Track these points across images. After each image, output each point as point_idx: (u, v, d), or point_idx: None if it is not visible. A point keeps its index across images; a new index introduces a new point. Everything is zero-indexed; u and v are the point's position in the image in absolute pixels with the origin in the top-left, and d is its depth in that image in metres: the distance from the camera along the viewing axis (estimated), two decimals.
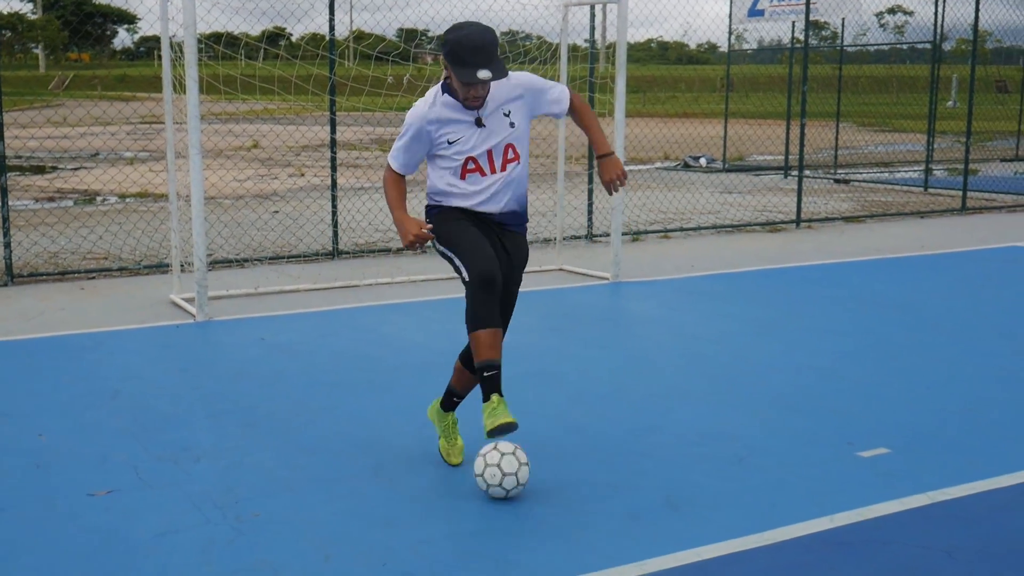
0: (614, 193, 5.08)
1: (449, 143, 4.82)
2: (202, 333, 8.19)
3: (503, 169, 4.88)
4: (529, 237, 12.16)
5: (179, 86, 8.92)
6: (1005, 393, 6.54)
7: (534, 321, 8.36)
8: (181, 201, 9.53)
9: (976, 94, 17.23)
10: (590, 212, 12.98)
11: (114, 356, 7.45)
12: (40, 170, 21.67)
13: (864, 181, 20.70)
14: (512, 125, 4.88)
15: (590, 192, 13.03)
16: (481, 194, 4.88)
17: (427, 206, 5.04)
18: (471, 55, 4.60)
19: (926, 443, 5.61)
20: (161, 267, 10.51)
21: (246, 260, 10.96)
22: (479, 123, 4.82)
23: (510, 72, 4.86)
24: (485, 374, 4.69)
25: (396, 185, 4.97)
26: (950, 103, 42.24)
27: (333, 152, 11.44)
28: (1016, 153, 26.29)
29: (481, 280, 4.66)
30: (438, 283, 9.93)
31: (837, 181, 20.55)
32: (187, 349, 7.76)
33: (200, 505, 4.77)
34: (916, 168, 23.53)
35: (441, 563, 4.21)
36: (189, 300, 8.92)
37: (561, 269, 10.79)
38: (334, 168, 11.52)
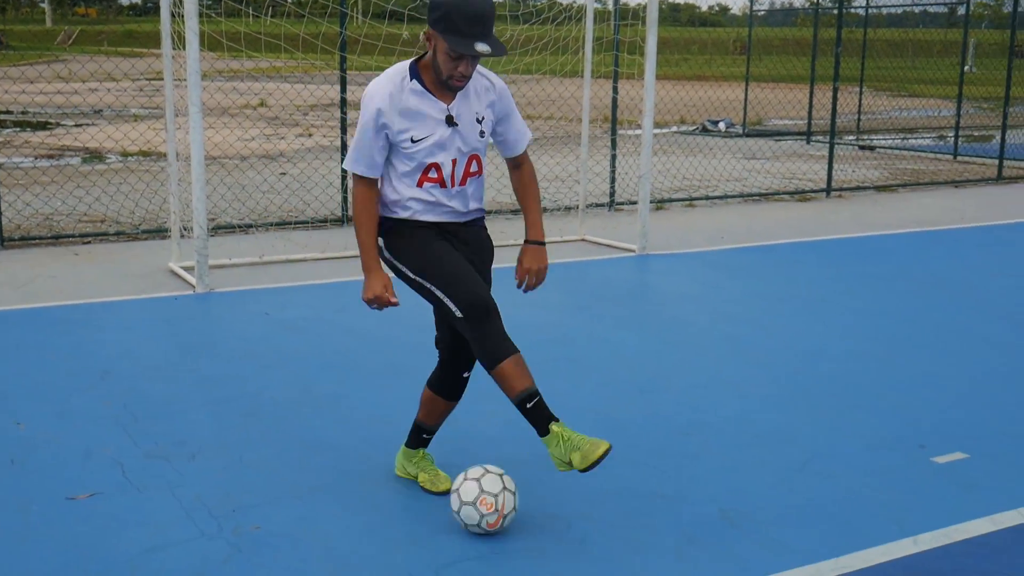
0: (524, 289, 4.24)
1: (413, 141, 3.96)
2: (202, 306, 7.60)
3: (462, 183, 4.07)
4: (549, 204, 11.65)
5: (179, 41, 8.29)
6: None
7: (560, 298, 7.75)
8: (181, 162, 8.92)
9: (992, 59, 16.53)
10: (612, 179, 12.34)
11: (105, 331, 6.86)
12: (43, 126, 21.06)
13: (890, 148, 20.00)
14: (482, 134, 4.06)
15: (613, 158, 12.38)
16: (436, 208, 4.06)
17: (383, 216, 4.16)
18: (468, 24, 3.75)
19: (1007, 447, 5.01)
20: (161, 232, 9.92)
21: (250, 226, 10.34)
22: (450, 121, 3.97)
23: (485, 69, 4.11)
24: (528, 406, 3.92)
25: (369, 211, 4.05)
26: (967, 67, 41.40)
27: (343, 112, 10.80)
28: None
29: (475, 312, 3.89)
30: None
31: (862, 147, 19.87)
32: (185, 324, 7.17)
33: (193, 514, 4.19)
34: (933, 134, 22.81)
35: None
36: (189, 269, 8.33)
37: (584, 239, 10.17)
38: (344, 130, 10.88)
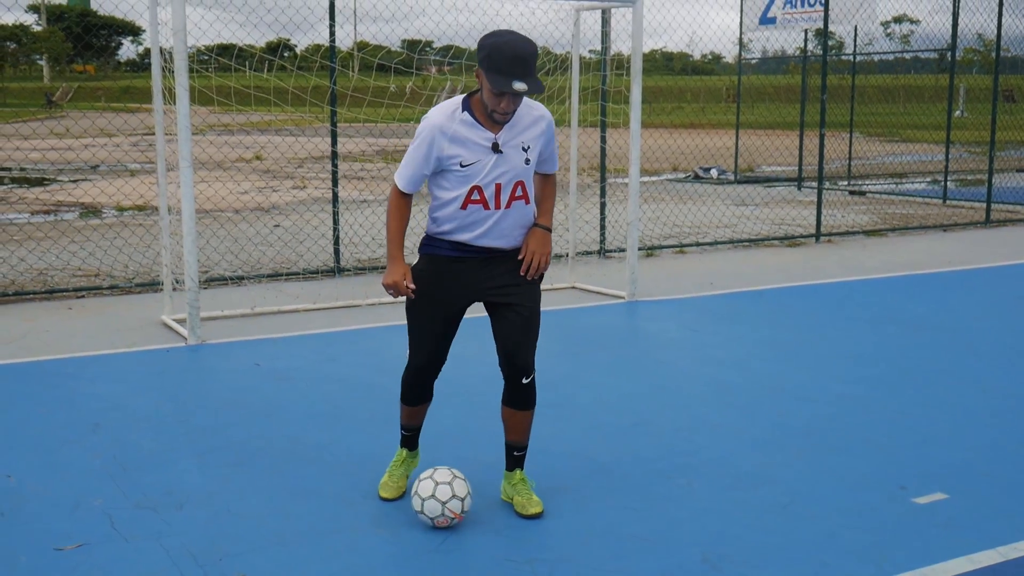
0: (528, 273, 4.60)
1: (462, 165, 4.41)
2: (193, 358, 7.66)
3: (507, 207, 4.50)
4: None
5: (170, 96, 8.41)
6: None
7: (548, 344, 7.77)
8: (173, 215, 9.02)
9: (983, 104, 16.72)
10: (603, 226, 12.45)
11: (97, 384, 6.92)
12: (39, 182, 21.19)
13: (880, 192, 20.15)
14: (527, 162, 4.50)
15: (602, 206, 12.50)
16: (478, 226, 4.50)
17: (423, 239, 4.67)
18: (509, 64, 4.19)
19: (986, 487, 5.07)
20: (154, 285, 9.99)
21: (243, 277, 10.43)
22: (496, 148, 4.41)
23: (536, 103, 4.54)
24: (403, 433, 5.04)
25: (400, 213, 4.56)
26: (958, 112, 41.73)
27: (334, 165, 10.93)
28: None
29: (412, 367, 4.78)
30: None
31: (852, 193, 20.02)
32: (176, 376, 7.24)
33: (179, 563, 4.24)
34: (923, 179, 22.98)
35: None
36: (181, 321, 8.40)
37: (574, 287, 10.26)
38: (335, 182, 11.01)
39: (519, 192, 4.50)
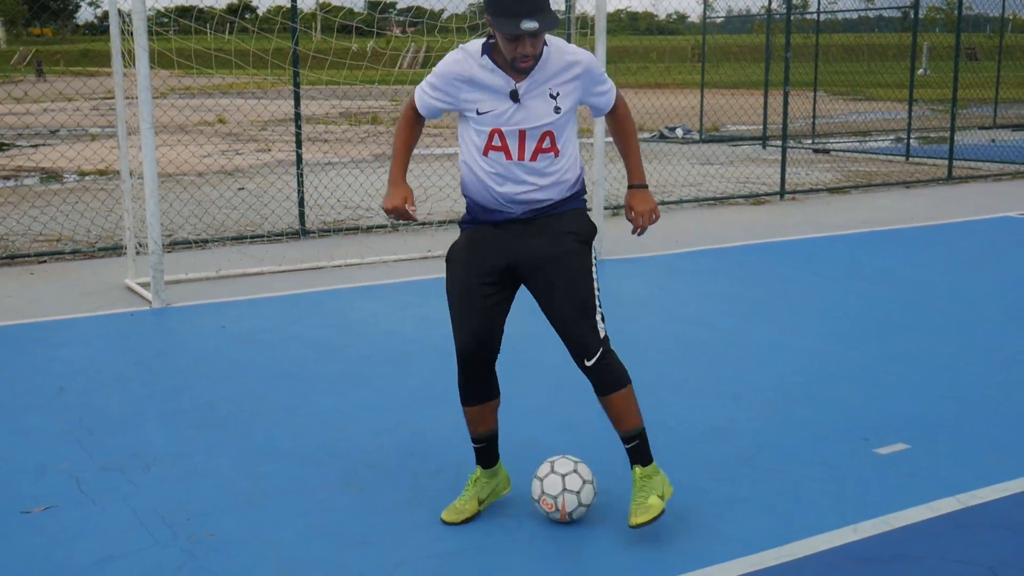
0: (639, 233, 4.26)
1: (479, 113, 3.99)
2: (158, 321, 7.63)
3: (533, 159, 4.00)
4: None
5: (130, 58, 8.31)
6: (1023, 379, 6.08)
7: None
8: (135, 179, 8.94)
9: (946, 62, 16.80)
10: None
11: (61, 348, 6.88)
12: None
13: (844, 151, 20.25)
14: (557, 110, 4.00)
15: None
16: (501, 178, 4.02)
17: (462, 219, 4.26)
18: (514, 2, 3.75)
19: (946, 437, 5.14)
20: (117, 249, 9.92)
21: (207, 241, 10.36)
22: (514, 97, 3.96)
23: (573, 46, 4.08)
24: (475, 447, 4.40)
25: (409, 128, 4.19)
26: (921, 71, 41.89)
27: (298, 127, 10.86)
28: (994, 121, 25.91)
29: (461, 356, 4.16)
30: (411, 263, 9.38)
31: (816, 151, 20.10)
32: (141, 339, 7.20)
33: (147, 523, 4.24)
34: (888, 136, 23.11)
35: None
36: (145, 285, 8.35)
37: None
38: (299, 144, 10.94)
39: (547, 143, 4.01)
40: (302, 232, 10.81)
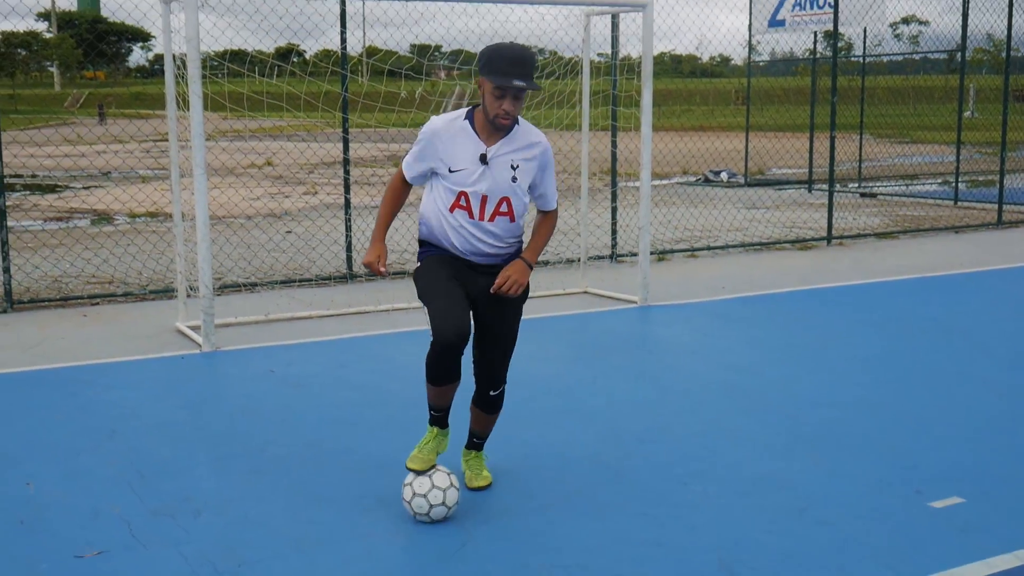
0: (499, 291, 4.69)
1: (451, 171, 4.66)
2: (208, 365, 7.70)
3: (491, 220, 4.71)
4: (551, 257, 11.78)
5: (184, 103, 8.45)
6: None
7: (561, 350, 7.86)
8: (187, 222, 9.06)
9: (994, 104, 16.68)
10: (614, 231, 12.47)
11: (112, 391, 6.96)
12: (52, 189, 21.28)
13: (891, 195, 20.13)
14: (514, 179, 4.70)
15: (614, 211, 12.52)
16: (462, 232, 4.71)
17: (419, 240, 4.92)
18: (508, 64, 4.48)
19: (1002, 490, 5.07)
20: (168, 292, 10.03)
21: (256, 284, 10.46)
22: (483, 160, 4.64)
23: (537, 130, 4.80)
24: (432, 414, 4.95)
25: (394, 197, 4.89)
26: (968, 113, 41.65)
27: (346, 172, 10.97)
28: None
29: (439, 341, 4.55)
30: None
31: (863, 195, 20.00)
32: (191, 383, 7.27)
33: (198, 570, 4.26)
34: (934, 181, 22.92)
35: None
36: (195, 328, 8.43)
37: (587, 292, 10.26)
38: (347, 188, 11.04)
39: (504, 208, 4.69)
40: (349, 276, 10.89)
